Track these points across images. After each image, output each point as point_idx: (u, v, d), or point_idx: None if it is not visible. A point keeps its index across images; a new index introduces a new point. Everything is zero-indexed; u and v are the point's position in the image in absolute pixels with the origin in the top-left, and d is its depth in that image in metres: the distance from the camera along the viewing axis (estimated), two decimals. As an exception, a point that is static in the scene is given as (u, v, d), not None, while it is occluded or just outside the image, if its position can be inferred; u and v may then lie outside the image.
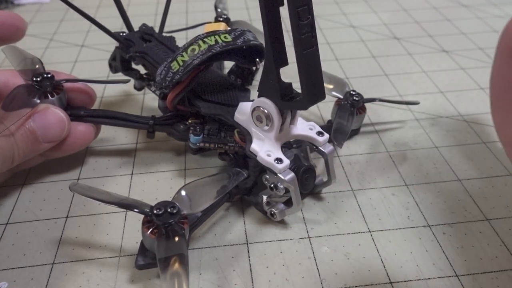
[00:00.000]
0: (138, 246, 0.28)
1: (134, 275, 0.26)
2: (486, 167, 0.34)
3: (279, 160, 0.27)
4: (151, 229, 0.24)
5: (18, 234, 0.29)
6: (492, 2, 0.61)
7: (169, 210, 0.24)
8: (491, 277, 0.26)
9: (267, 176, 0.28)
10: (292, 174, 0.27)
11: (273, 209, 0.29)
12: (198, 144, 0.30)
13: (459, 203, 0.31)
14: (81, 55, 0.49)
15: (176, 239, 0.24)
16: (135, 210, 0.25)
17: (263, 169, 0.28)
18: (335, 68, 0.47)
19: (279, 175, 0.27)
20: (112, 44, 0.37)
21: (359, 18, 0.57)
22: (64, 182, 0.33)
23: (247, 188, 0.30)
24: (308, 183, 0.29)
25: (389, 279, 0.26)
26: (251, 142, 0.28)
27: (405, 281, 0.26)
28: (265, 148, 0.27)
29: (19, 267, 0.27)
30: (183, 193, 0.25)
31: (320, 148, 0.29)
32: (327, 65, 0.47)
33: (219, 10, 0.42)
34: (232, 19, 0.41)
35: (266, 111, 0.26)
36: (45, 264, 0.27)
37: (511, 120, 0.20)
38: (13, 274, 0.27)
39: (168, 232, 0.24)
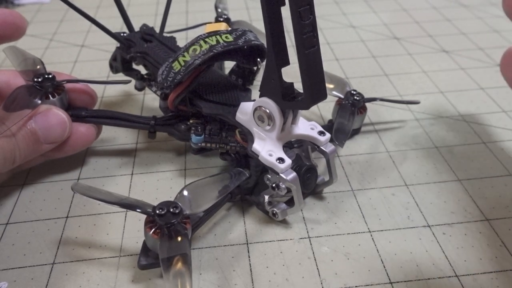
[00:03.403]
0: (138, 246, 0.28)
1: (134, 275, 0.26)
2: (486, 167, 0.34)
3: (281, 160, 0.27)
4: (153, 229, 0.24)
5: (18, 234, 0.29)
6: (492, 2, 0.61)
7: (171, 210, 0.24)
8: (491, 277, 0.26)
9: (269, 176, 0.28)
10: (294, 174, 0.27)
11: (275, 209, 0.29)
12: (199, 144, 0.30)
13: (459, 203, 0.31)
14: (81, 55, 0.49)
15: (179, 239, 0.24)
16: (138, 210, 0.25)
17: (264, 169, 0.28)
18: (335, 68, 0.47)
19: (281, 174, 0.27)
20: (112, 44, 0.37)
21: (359, 18, 0.57)
22: (64, 182, 0.33)
23: (248, 188, 0.30)
24: (310, 183, 0.29)
25: (389, 279, 0.26)
26: (252, 142, 0.28)
27: (405, 281, 0.26)
28: (267, 148, 0.27)
29: (19, 267, 0.27)
30: (185, 193, 0.25)
31: (321, 147, 0.29)
32: (327, 65, 0.47)
33: (219, 10, 0.42)
34: (233, 19, 0.41)
35: (267, 110, 0.26)
36: (45, 264, 0.27)
37: None
38: (13, 274, 0.26)
39: (170, 232, 0.24)
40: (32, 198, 0.32)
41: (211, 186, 0.27)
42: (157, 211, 0.24)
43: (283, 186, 0.27)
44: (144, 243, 0.26)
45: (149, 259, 0.25)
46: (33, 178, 0.33)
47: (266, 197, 0.29)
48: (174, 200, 0.25)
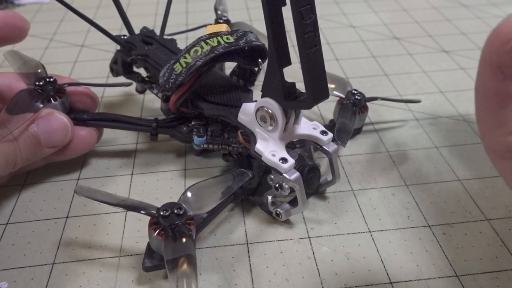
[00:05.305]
0: (138, 246, 0.28)
1: (134, 275, 0.26)
2: (486, 167, 0.34)
3: (284, 160, 0.27)
4: (158, 231, 0.24)
5: (18, 234, 0.29)
6: (492, 2, 0.61)
7: (175, 211, 0.24)
8: (491, 277, 0.26)
9: (272, 176, 0.28)
10: (297, 174, 0.27)
11: (278, 209, 0.29)
12: (202, 146, 0.30)
13: (459, 203, 0.31)
14: (81, 55, 0.49)
15: (184, 240, 0.24)
16: (142, 212, 0.25)
17: (267, 169, 0.28)
18: (335, 68, 0.47)
19: (284, 174, 0.27)
20: (112, 44, 0.37)
21: (359, 18, 0.57)
22: (64, 182, 0.33)
23: (251, 189, 0.30)
24: (313, 182, 0.29)
25: (389, 279, 0.26)
26: (255, 142, 0.28)
27: (405, 281, 0.26)
28: (270, 148, 0.27)
29: (19, 267, 0.27)
30: (189, 194, 0.25)
31: (324, 147, 0.29)
32: (327, 65, 0.46)
33: (219, 12, 0.42)
34: (233, 19, 0.41)
35: (270, 111, 0.26)
36: (45, 264, 0.27)
37: (490, 128, 0.20)
38: (13, 274, 0.26)
39: (175, 233, 0.24)
40: (32, 198, 0.32)
41: (214, 187, 0.27)
42: (161, 213, 0.24)
43: (287, 186, 0.27)
44: (148, 245, 0.26)
45: (154, 261, 0.25)
46: (33, 178, 0.33)
47: (269, 197, 0.29)
48: (177, 201, 0.25)
